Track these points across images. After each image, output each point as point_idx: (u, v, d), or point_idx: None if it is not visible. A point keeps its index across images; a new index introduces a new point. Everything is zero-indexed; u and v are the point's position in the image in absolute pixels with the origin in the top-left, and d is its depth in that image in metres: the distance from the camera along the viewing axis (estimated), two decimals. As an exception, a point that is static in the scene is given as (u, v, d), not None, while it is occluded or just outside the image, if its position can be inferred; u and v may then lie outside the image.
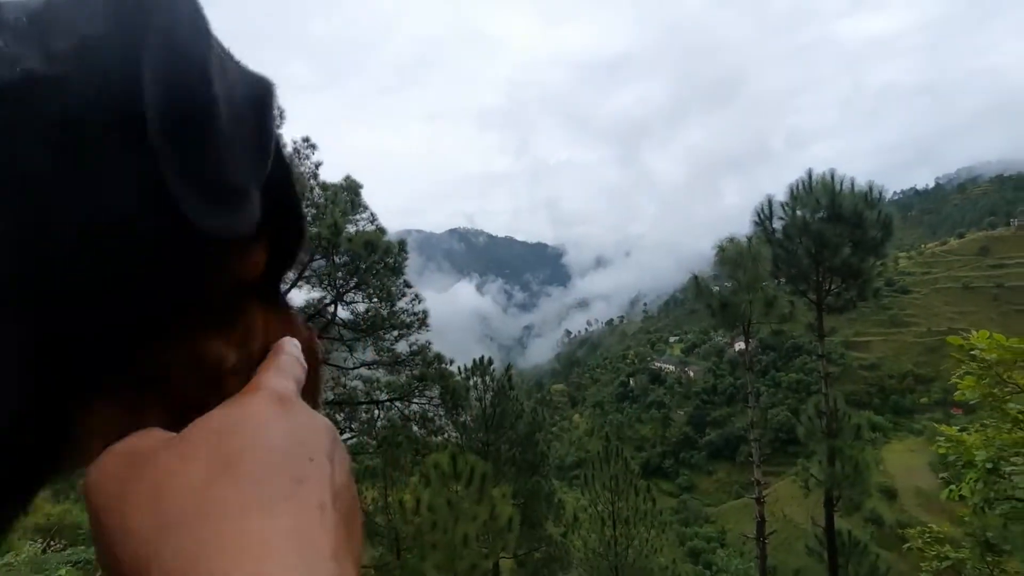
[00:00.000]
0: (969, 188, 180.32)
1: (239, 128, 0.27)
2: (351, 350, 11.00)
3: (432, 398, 11.06)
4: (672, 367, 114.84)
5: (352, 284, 10.13)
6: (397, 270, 10.50)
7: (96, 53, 0.25)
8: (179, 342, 0.29)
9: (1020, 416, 2.66)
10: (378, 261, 10.08)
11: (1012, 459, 2.60)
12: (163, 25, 0.25)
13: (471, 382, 12.77)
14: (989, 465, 2.70)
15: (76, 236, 0.24)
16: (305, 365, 0.34)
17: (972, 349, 2.63)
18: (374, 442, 11.07)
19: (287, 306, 0.37)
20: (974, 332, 2.71)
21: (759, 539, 10.92)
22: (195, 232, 0.26)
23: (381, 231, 10.81)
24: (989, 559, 4.25)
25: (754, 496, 11.29)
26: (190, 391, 0.29)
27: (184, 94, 0.25)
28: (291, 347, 0.34)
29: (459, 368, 12.44)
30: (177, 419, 0.28)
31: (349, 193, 10.33)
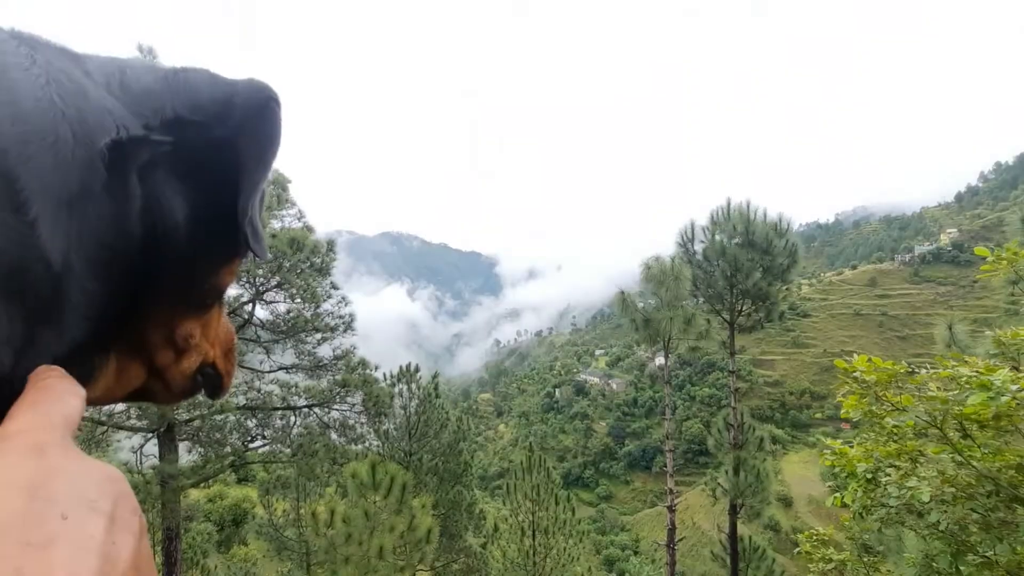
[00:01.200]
0: (863, 225, 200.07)
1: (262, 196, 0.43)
2: (268, 352, 10.44)
3: (354, 405, 10.69)
4: (596, 379, 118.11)
5: (273, 283, 9.64)
6: (324, 271, 10.11)
7: (182, 131, 0.37)
8: (166, 322, 0.41)
9: (894, 430, 2.99)
10: (303, 260, 9.67)
11: (887, 469, 2.91)
12: (251, 132, 0.39)
13: (396, 389, 12.48)
14: (868, 476, 3.00)
15: (153, 246, 0.36)
16: (81, 393, 0.30)
17: (854, 371, 2.93)
18: (288, 450, 10.51)
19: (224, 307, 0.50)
20: (856, 355, 3.02)
21: (669, 546, 11.40)
22: (212, 254, 0.41)
23: (308, 229, 10.38)
24: (867, 560, 4.71)
25: (667, 505, 11.79)
26: (164, 355, 0.42)
27: (259, 183, 0.40)
28: (55, 376, 0.29)
29: (384, 374, 12.13)
30: (152, 373, 0.42)
31: (275, 187, 9.86)
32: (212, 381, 0.49)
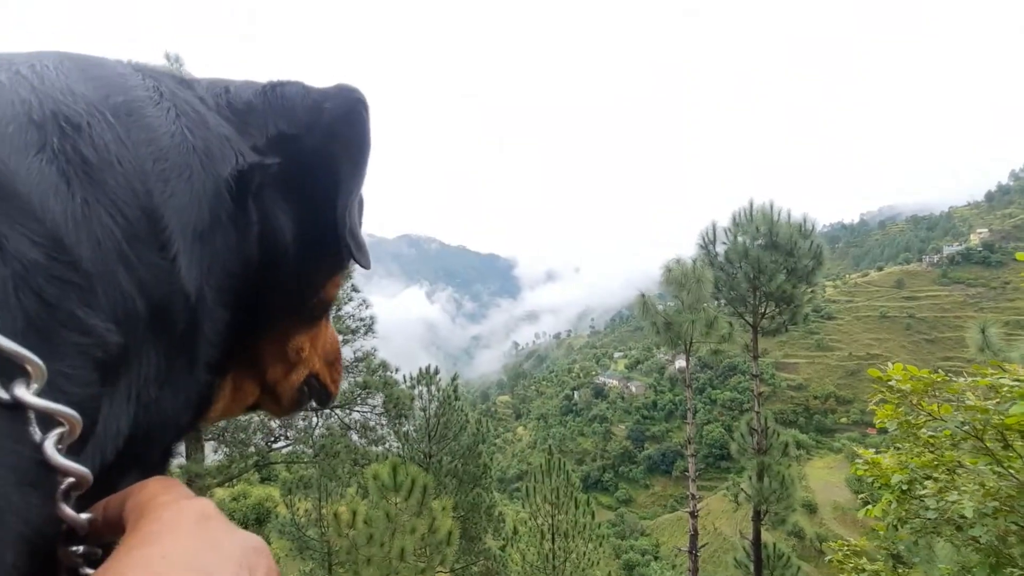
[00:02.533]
0: (889, 225, 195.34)
1: (360, 204, 0.44)
2: (291, 354, 10.59)
3: (375, 406, 10.78)
4: (615, 382, 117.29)
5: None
6: (345, 274, 10.23)
7: (287, 149, 0.39)
8: (280, 339, 0.42)
9: (931, 440, 2.90)
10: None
11: (924, 482, 2.82)
12: (342, 137, 0.40)
13: (416, 391, 12.53)
14: (904, 487, 2.91)
15: (269, 266, 0.38)
16: None
17: (889, 380, 2.85)
18: (310, 451, 10.65)
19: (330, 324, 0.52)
20: (890, 364, 2.94)
21: (691, 552, 11.24)
22: (319, 268, 0.42)
23: (330, 233, 10.52)
24: (900, 571, 4.58)
25: (688, 510, 11.63)
26: (275, 371, 0.44)
27: (355, 191, 0.41)
28: (174, 480, 0.30)
29: (404, 376, 12.21)
30: (264, 389, 0.44)
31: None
32: (318, 391, 0.51)
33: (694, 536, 11.35)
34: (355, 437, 10.75)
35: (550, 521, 12.55)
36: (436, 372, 13.07)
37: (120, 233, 0.28)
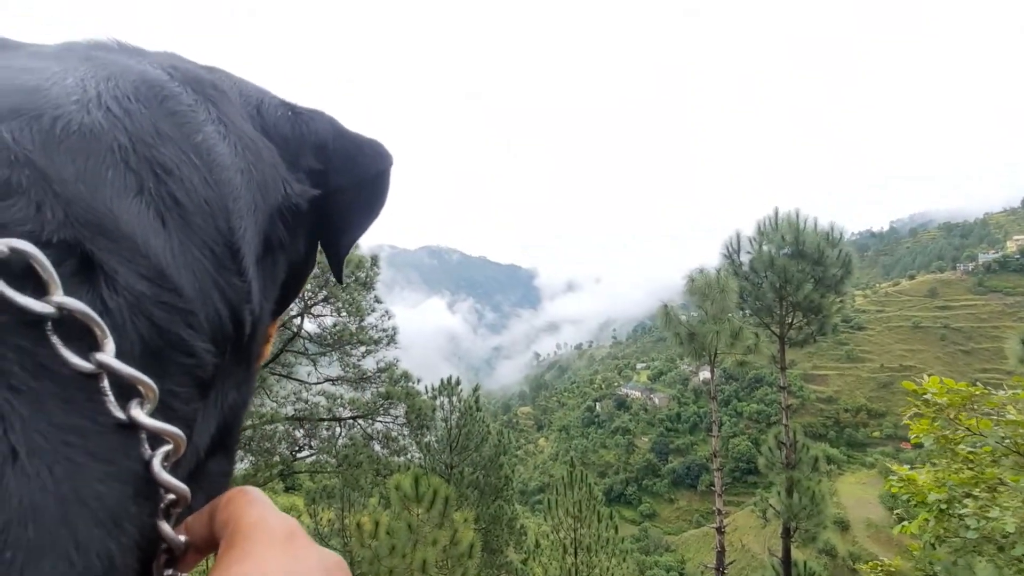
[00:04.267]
0: (920, 232, 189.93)
1: None
2: (315, 364, 10.73)
3: (397, 417, 10.82)
4: (638, 393, 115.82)
5: (320, 297, 9.93)
6: (368, 285, 10.35)
7: (319, 184, 0.43)
8: (270, 327, 0.46)
9: (970, 456, 2.78)
10: (349, 275, 9.94)
11: (964, 500, 2.70)
12: (368, 188, 0.46)
13: (438, 402, 12.56)
14: (943, 506, 2.79)
15: (286, 281, 0.43)
16: None
17: (924, 393, 2.75)
18: (334, 460, 10.74)
19: None
20: (926, 376, 2.83)
21: (718, 569, 10.96)
22: (306, 275, 0.47)
23: (354, 245, 10.69)
24: (937, 594, 4.39)
25: (714, 525, 11.36)
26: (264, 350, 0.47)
27: (362, 234, 0.49)
28: (257, 491, 0.31)
29: (426, 387, 12.25)
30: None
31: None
32: None
33: (721, 553, 11.07)
34: (377, 447, 10.81)
35: (572, 535, 12.38)
36: (458, 383, 13.09)
37: (211, 265, 0.32)
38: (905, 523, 3.18)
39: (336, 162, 0.43)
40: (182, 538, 0.27)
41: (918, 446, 3.18)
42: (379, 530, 7.82)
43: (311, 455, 11.06)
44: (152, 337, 0.27)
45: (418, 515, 7.96)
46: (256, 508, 0.28)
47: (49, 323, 0.24)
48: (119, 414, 0.24)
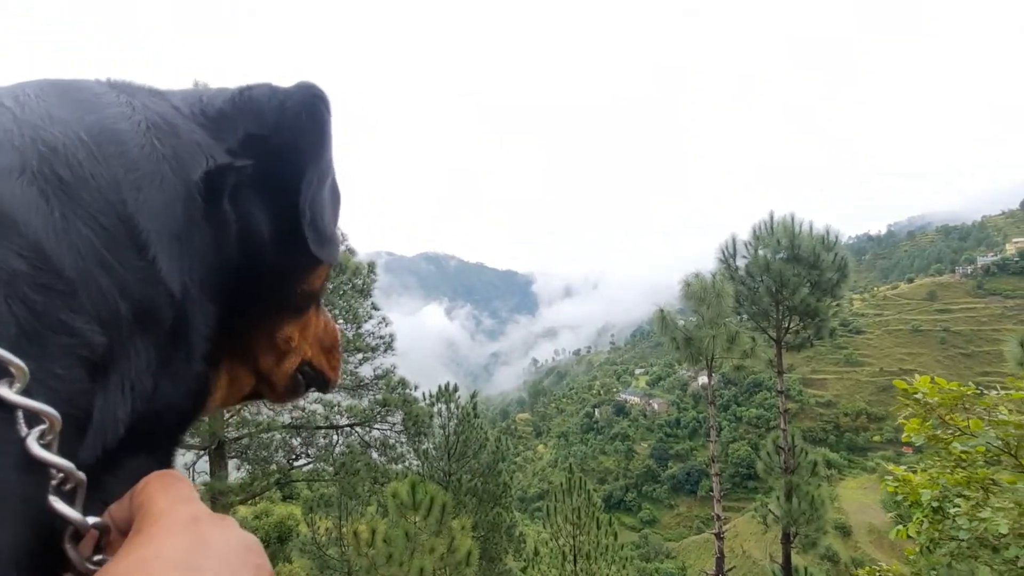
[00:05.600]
0: (918, 236, 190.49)
1: (332, 199, 0.46)
2: (312, 372, 10.68)
3: (394, 424, 10.79)
4: (637, 399, 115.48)
5: (317, 305, 9.92)
6: (365, 292, 10.35)
7: (257, 150, 0.41)
8: (268, 329, 0.45)
9: (963, 456, 2.78)
10: (346, 282, 9.94)
11: (955, 499, 2.70)
12: (304, 133, 0.42)
13: (435, 408, 12.53)
14: (935, 504, 2.79)
15: (248, 261, 0.40)
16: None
17: (916, 392, 2.75)
18: (331, 469, 10.68)
19: (323, 307, 0.55)
20: (917, 376, 2.84)
21: None
22: (297, 262, 0.44)
23: (350, 252, 10.69)
24: (936, 598, 4.36)
25: (714, 531, 11.32)
26: (267, 360, 0.46)
27: (319, 187, 0.43)
28: (175, 475, 0.32)
29: (423, 394, 12.22)
30: (259, 378, 0.47)
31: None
32: (314, 378, 0.54)
33: (720, 559, 11.03)
34: (375, 455, 10.76)
35: (572, 542, 12.31)
36: (455, 389, 13.06)
37: (98, 241, 0.30)
38: (900, 527, 3.17)
39: (273, 118, 0.42)
40: (91, 520, 0.27)
41: (918, 450, 3.17)
42: (376, 538, 7.77)
43: (308, 463, 11.01)
44: (28, 317, 0.27)
45: (415, 523, 7.91)
46: (167, 494, 0.29)
47: None
48: None
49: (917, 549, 3.02)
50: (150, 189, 0.34)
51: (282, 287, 0.45)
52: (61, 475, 0.26)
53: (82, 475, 0.26)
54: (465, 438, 12.72)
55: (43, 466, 0.25)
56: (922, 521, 2.90)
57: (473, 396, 13.68)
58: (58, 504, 0.25)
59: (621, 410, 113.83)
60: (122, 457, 0.31)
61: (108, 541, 0.28)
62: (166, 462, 0.37)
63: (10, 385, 0.25)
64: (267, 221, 0.41)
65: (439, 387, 12.94)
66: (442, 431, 12.66)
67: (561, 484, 12.92)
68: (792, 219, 11.42)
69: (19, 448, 0.25)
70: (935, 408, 2.70)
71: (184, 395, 0.37)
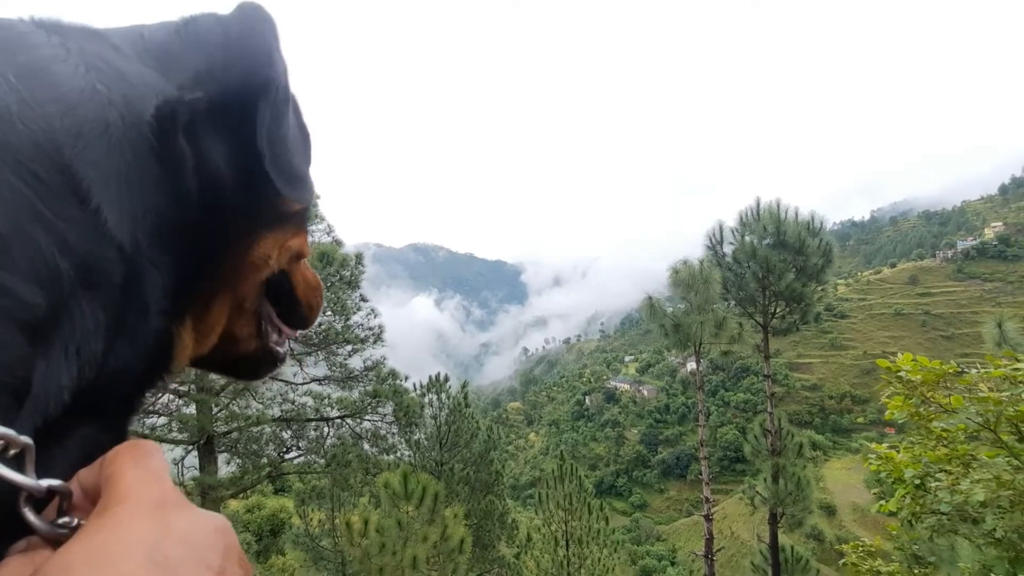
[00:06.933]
0: (900, 221, 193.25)
1: (300, 136, 0.44)
2: (301, 364, 10.64)
3: (385, 415, 10.78)
4: (627, 386, 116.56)
5: (305, 296, 9.83)
6: (353, 283, 10.28)
7: (207, 84, 0.37)
8: (242, 248, 0.41)
9: (943, 434, 2.85)
10: (333, 274, 9.85)
11: (937, 475, 2.77)
12: (251, 57, 0.39)
13: (426, 399, 12.53)
14: (917, 481, 2.86)
15: (210, 200, 0.37)
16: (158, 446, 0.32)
17: (899, 371, 2.81)
18: (323, 461, 10.67)
19: (306, 229, 0.50)
20: (900, 354, 2.89)
21: (707, 556, 11.10)
22: (265, 199, 0.41)
23: (338, 243, 10.59)
24: (917, 572, 4.48)
25: (703, 514, 11.50)
26: (245, 290, 0.43)
27: (275, 120, 0.39)
28: (148, 448, 0.29)
29: (414, 385, 12.22)
30: (237, 312, 0.43)
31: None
32: (288, 301, 0.49)
33: (709, 540, 11.22)
34: (366, 446, 10.76)
35: (564, 527, 12.46)
36: (446, 380, 13.07)
37: (31, 192, 0.27)
38: (883, 502, 3.25)
39: (219, 52, 0.38)
40: (44, 483, 0.26)
41: (895, 427, 3.24)
42: (369, 528, 7.79)
43: (299, 456, 10.98)
44: None
45: (408, 512, 7.95)
46: (136, 469, 0.27)
47: None
48: None
49: (900, 524, 3.10)
50: (91, 135, 0.31)
51: (245, 225, 0.41)
52: (1, 442, 0.24)
53: (27, 439, 0.25)
54: (457, 428, 12.76)
55: None
56: (904, 497, 2.98)
57: (464, 386, 13.69)
58: (2, 470, 0.24)
59: (611, 397, 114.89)
60: (69, 426, 0.29)
61: (71, 504, 0.27)
62: (121, 430, 0.34)
63: None
64: (227, 157, 0.38)
65: (429, 378, 12.93)
66: (433, 421, 12.68)
67: (553, 471, 13.05)
68: (778, 205, 11.52)
69: None
70: (918, 386, 2.76)
71: (142, 357, 0.33)
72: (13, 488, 0.25)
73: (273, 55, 0.39)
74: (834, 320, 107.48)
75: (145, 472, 0.27)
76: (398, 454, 11.33)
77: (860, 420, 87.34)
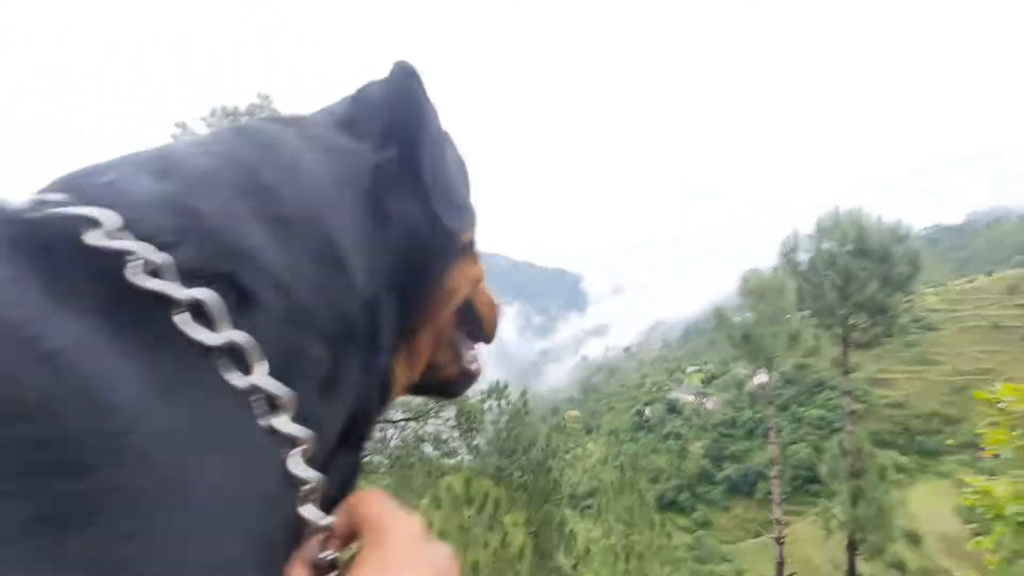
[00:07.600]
0: (996, 225, 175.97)
1: (458, 169, 0.51)
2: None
3: (447, 419, 11.04)
4: (690, 397, 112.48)
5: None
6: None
7: (390, 141, 0.44)
8: (439, 283, 0.47)
9: (1052, 468, 2.59)
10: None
11: (1044, 513, 2.52)
12: (405, 109, 0.44)
13: (486, 405, 12.71)
14: (1021, 519, 2.61)
15: (413, 245, 0.43)
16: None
17: (998, 402, 2.58)
18: (386, 461, 11.06)
19: (478, 255, 0.59)
20: (998, 384, 2.66)
21: (778, 581, 10.55)
22: (443, 237, 0.46)
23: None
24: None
25: (773, 536, 10.95)
26: (442, 320, 0.49)
27: (434, 160, 0.45)
28: (382, 492, 0.37)
29: (475, 390, 12.41)
30: (437, 341, 0.50)
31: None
32: (473, 324, 0.57)
33: (780, 565, 10.67)
34: (429, 449, 11.05)
35: (624, 541, 12.22)
36: (506, 386, 13.19)
37: (315, 267, 0.34)
38: (980, 538, 2.99)
39: (386, 111, 0.45)
40: (324, 521, 0.31)
41: (996, 455, 2.99)
42: (432, 531, 7.98)
43: (365, 456, 11.42)
44: (284, 350, 0.30)
45: (469, 517, 8.08)
46: (386, 510, 0.33)
47: (218, 352, 0.28)
48: (263, 423, 0.29)
49: (997, 562, 2.85)
50: (336, 207, 0.38)
51: (439, 262, 0.47)
52: (310, 485, 0.30)
53: (324, 483, 0.30)
54: (516, 434, 12.83)
55: (298, 480, 0.29)
56: (1004, 534, 2.73)
57: (523, 393, 13.76)
58: (307, 511, 0.30)
59: (673, 408, 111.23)
60: (333, 457, 0.35)
61: (330, 539, 0.32)
62: (359, 458, 0.43)
63: (281, 412, 0.29)
64: (418, 203, 0.44)
65: (489, 384, 13.10)
66: (493, 427, 12.82)
67: (612, 482, 12.85)
68: (859, 211, 10.87)
69: (284, 465, 0.29)
70: (1021, 417, 2.53)
71: (376, 390, 0.41)
72: (304, 525, 0.30)
73: (423, 104, 0.45)
74: (921, 332, 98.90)
75: (394, 510, 0.33)
76: (459, 458, 11.55)
77: (950, 442, 79.62)
